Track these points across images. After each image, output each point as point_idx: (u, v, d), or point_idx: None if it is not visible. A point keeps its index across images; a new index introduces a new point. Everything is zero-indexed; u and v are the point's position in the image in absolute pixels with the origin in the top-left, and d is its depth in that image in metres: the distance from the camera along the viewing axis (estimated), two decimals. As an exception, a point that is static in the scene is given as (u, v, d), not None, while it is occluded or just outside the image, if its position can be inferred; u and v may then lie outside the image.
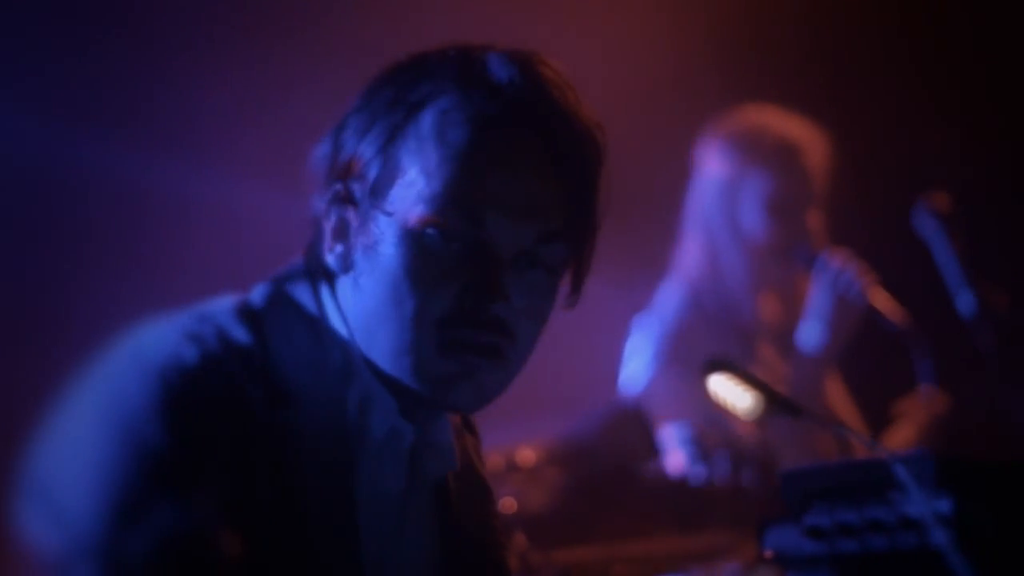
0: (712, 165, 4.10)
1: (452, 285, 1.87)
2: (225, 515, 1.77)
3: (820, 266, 3.96)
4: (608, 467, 3.53)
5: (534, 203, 1.89)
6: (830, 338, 3.95)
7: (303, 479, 1.86)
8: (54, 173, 3.82)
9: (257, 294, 1.96)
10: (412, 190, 1.88)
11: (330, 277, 1.96)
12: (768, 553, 2.34)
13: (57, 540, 1.76)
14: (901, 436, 4.06)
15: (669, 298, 4.09)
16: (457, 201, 1.87)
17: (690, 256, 4.10)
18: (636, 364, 4.05)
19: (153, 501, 1.75)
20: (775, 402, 2.57)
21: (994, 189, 4.67)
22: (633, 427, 3.61)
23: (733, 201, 4.05)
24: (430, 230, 1.87)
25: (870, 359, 4.04)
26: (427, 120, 1.89)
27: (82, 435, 1.80)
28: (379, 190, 1.89)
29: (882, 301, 3.90)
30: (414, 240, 1.87)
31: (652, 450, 3.60)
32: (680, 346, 3.99)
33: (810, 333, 3.98)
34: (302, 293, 1.95)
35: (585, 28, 4.52)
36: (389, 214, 1.89)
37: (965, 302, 3.68)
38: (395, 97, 1.91)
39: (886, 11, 4.91)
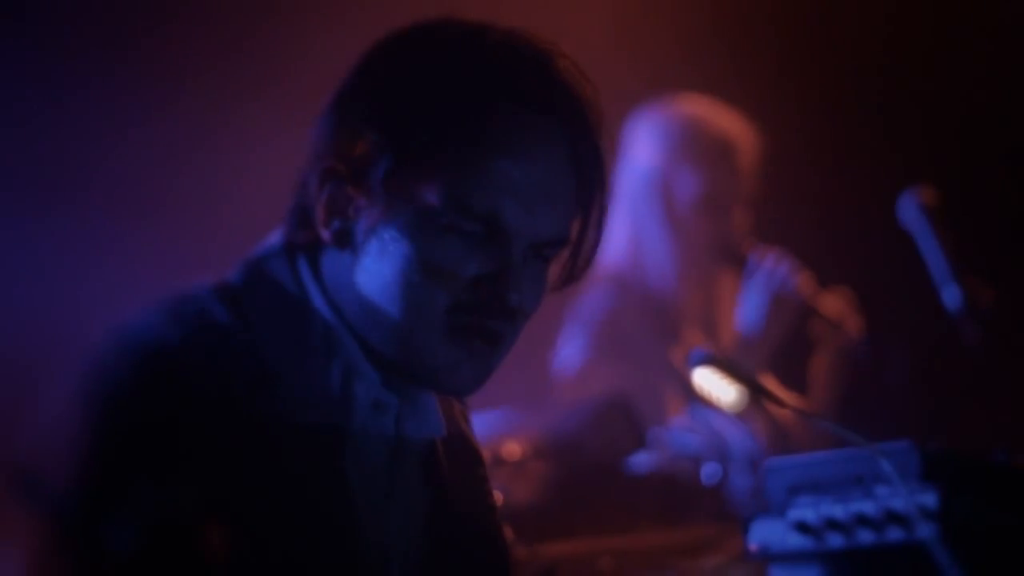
0: (644, 152, 4.09)
1: (466, 273, 1.87)
2: (211, 498, 1.78)
3: (752, 264, 3.97)
4: (594, 461, 3.52)
5: (552, 197, 1.90)
6: (765, 334, 3.96)
7: (290, 456, 1.87)
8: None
9: (235, 274, 1.96)
10: (428, 176, 1.86)
11: (310, 251, 1.95)
12: (753, 547, 2.34)
13: (44, 523, 1.78)
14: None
15: (596, 286, 4.09)
16: (476, 190, 1.86)
17: (614, 240, 4.11)
18: (568, 353, 4.06)
19: (136, 485, 1.76)
20: (760, 394, 2.57)
21: (979, 179, 4.67)
22: (620, 421, 3.61)
23: (664, 191, 4.05)
24: (447, 217, 1.86)
25: (806, 355, 4.06)
26: (444, 107, 1.87)
27: (66, 420, 1.81)
28: (391, 173, 1.87)
29: (816, 296, 3.92)
30: (429, 226, 1.87)
31: (638, 444, 3.60)
32: (611, 333, 4.00)
33: (745, 330, 3.98)
34: (280, 270, 1.94)
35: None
36: (402, 198, 1.87)
37: (951, 295, 3.68)
38: (404, 78, 1.89)
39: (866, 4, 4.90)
